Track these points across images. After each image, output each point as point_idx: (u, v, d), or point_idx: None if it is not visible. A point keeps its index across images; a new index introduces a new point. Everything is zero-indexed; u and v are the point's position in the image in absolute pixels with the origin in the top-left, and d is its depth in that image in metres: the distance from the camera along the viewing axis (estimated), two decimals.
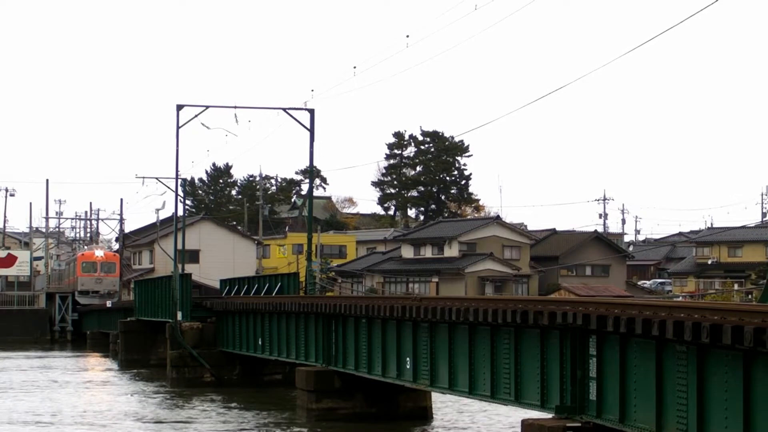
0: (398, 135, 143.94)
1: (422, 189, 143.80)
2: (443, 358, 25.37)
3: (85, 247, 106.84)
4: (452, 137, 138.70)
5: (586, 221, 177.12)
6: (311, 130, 44.64)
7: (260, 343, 39.68)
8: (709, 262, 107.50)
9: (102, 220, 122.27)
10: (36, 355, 70.09)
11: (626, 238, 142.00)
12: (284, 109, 45.51)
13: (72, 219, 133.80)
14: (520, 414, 22.33)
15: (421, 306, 25.76)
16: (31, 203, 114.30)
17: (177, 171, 49.23)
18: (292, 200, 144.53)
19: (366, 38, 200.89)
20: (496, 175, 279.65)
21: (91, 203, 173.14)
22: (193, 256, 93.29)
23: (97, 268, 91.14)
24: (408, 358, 27.30)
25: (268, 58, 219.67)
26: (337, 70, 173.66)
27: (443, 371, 25.39)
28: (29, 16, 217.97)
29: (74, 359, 66.87)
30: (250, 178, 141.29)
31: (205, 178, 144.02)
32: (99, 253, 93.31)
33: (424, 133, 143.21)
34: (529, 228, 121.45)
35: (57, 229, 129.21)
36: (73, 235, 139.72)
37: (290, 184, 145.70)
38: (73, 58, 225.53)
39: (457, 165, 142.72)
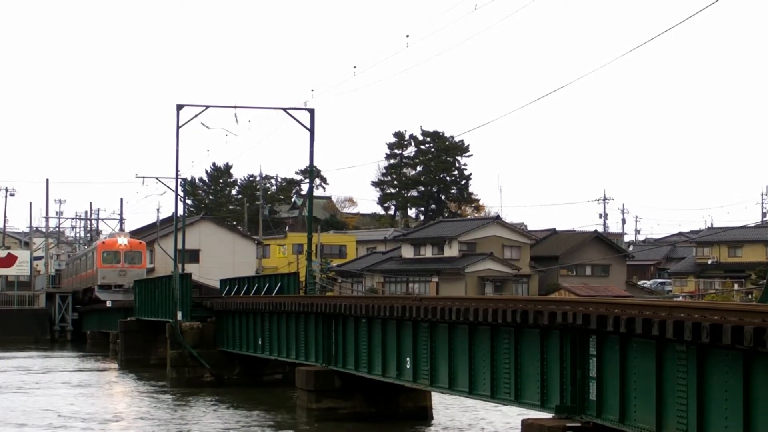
0: (398, 135, 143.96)
1: (422, 189, 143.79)
2: (443, 358, 25.37)
3: (105, 234, 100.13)
4: (452, 137, 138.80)
5: (586, 221, 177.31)
6: (311, 130, 44.64)
7: (260, 343, 39.68)
8: (709, 262, 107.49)
9: (102, 220, 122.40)
10: (36, 355, 70.06)
11: (626, 238, 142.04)
12: (284, 109, 45.51)
13: (72, 219, 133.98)
14: (521, 414, 22.33)
15: (421, 306, 25.76)
16: (31, 203, 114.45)
17: (177, 171, 49.25)
18: (292, 200, 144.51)
19: (366, 38, 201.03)
20: (496, 175, 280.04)
21: (91, 203, 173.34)
22: (193, 256, 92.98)
23: (120, 258, 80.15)
24: (408, 358, 27.30)
25: (268, 58, 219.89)
26: (337, 70, 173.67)
27: (443, 371, 25.39)
28: (29, 16, 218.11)
29: (74, 359, 66.85)
30: (250, 178, 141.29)
31: (205, 178, 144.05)
32: (122, 240, 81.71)
33: (425, 133, 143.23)
34: (529, 228, 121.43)
35: (57, 229, 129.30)
36: (73, 235, 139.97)
37: (290, 184, 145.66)
38: (73, 58, 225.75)
39: (457, 165, 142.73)
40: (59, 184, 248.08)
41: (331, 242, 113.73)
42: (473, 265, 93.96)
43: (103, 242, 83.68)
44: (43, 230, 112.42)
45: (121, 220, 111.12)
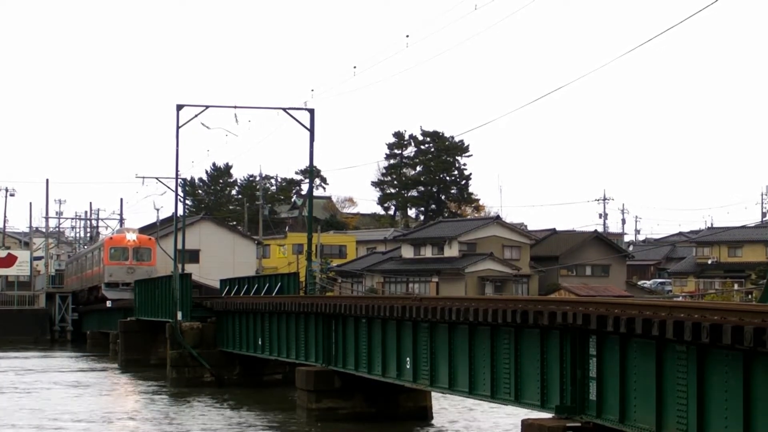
0: (398, 135, 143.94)
1: (422, 189, 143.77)
2: (443, 358, 25.36)
3: (113, 230, 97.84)
4: (452, 137, 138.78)
5: (586, 221, 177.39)
6: (311, 130, 44.65)
7: (260, 343, 39.68)
8: (709, 262, 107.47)
9: (102, 219, 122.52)
10: (35, 355, 70.06)
11: (626, 238, 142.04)
12: (284, 109, 45.50)
13: (72, 219, 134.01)
14: (521, 414, 22.33)
15: (421, 306, 25.75)
16: (31, 203, 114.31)
17: (177, 171, 49.24)
18: (292, 200, 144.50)
19: (366, 38, 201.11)
20: (496, 175, 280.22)
21: (91, 203, 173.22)
22: (193, 256, 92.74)
23: (128, 254, 77.30)
24: (408, 358, 27.30)
25: (268, 58, 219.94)
26: (337, 70, 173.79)
27: (443, 371, 25.39)
28: (29, 16, 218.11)
29: (74, 359, 66.85)
30: (250, 178, 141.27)
31: (205, 178, 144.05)
32: (131, 236, 78.45)
33: (424, 133, 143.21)
34: (529, 228, 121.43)
35: (57, 229, 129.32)
36: (73, 235, 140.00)
37: (290, 184, 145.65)
38: (73, 58, 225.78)
39: (457, 165, 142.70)
40: (59, 184, 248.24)
41: (331, 242, 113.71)
42: (473, 265, 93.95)
43: (111, 238, 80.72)
44: (43, 230, 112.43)
45: (121, 220, 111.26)
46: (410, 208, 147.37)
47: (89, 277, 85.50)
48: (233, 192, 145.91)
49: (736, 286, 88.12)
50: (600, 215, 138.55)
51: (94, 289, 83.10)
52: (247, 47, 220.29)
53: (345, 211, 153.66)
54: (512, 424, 29.61)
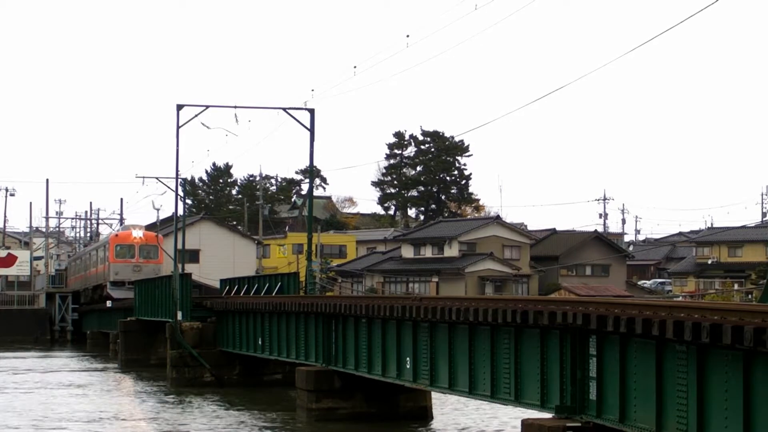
0: (398, 135, 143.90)
1: (422, 189, 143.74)
2: (443, 358, 25.36)
3: (118, 227, 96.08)
4: (452, 137, 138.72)
5: (586, 221, 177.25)
6: (311, 130, 44.63)
7: (260, 343, 39.68)
8: (709, 262, 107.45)
9: (102, 220, 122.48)
10: (35, 355, 70.05)
11: (626, 238, 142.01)
12: (284, 109, 45.49)
13: (72, 219, 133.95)
14: (521, 414, 22.33)
15: (421, 306, 25.75)
16: (31, 203, 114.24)
17: (177, 171, 49.25)
18: (292, 200, 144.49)
19: (366, 38, 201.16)
20: (496, 175, 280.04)
21: (91, 203, 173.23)
22: (193, 256, 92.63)
23: (134, 252, 75.22)
24: (408, 358, 27.30)
25: (268, 58, 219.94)
26: (337, 70, 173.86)
27: (443, 371, 25.39)
28: (29, 16, 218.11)
29: (74, 359, 66.85)
30: (250, 178, 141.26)
31: (205, 177, 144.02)
32: (137, 233, 75.95)
33: (424, 133, 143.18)
34: (529, 228, 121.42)
35: (57, 229, 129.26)
36: (73, 235, 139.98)
37: (290, 184, 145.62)
38: (73, 58, 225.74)
39: (457, 165, 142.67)
40: (59, 184, 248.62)
41: (331, 242, 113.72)
42: (473, 265, 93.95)
43: (116, 235, 78.81)
44: (43, 230, 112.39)
45: (122, 220, 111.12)
46: (410, 208, 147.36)
47: (93, 276, 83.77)
48: (233, 192, 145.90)
49: (736, 286, 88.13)
50: (600, 215, 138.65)
51: (98, 288, 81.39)
52: (247, 47, 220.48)
53: (345, 211, 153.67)
54: (512, 424, 29.62)
